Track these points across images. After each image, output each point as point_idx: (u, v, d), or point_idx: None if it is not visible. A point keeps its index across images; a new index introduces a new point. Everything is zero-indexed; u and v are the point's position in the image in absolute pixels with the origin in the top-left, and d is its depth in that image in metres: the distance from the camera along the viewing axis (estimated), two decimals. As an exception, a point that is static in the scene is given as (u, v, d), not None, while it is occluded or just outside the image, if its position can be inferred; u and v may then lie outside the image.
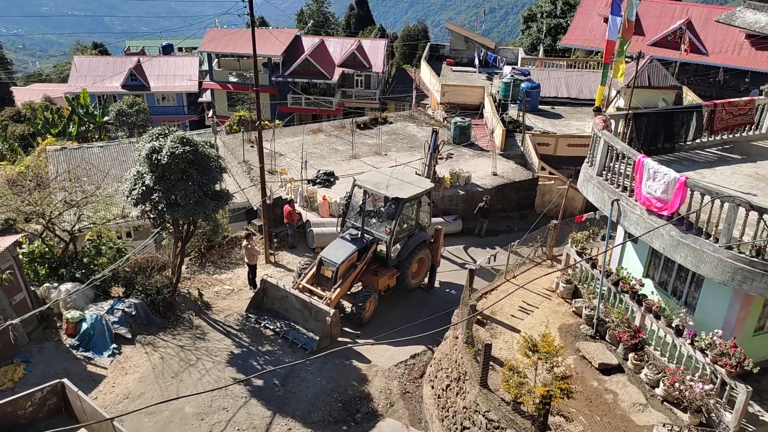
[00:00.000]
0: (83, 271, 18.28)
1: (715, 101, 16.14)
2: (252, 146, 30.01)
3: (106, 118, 47.53)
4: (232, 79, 55.16)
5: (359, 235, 19.36)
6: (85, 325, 16.83)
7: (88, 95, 47.50)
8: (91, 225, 19.55)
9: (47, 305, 15.96)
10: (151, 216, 16.84)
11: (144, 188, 16.19)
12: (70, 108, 46.00)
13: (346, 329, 18.62)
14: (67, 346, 16.67)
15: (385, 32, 76.11)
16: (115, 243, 20.19)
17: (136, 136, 40.85)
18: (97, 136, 45.84)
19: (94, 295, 18.32)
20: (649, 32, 46.44)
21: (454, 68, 45.94)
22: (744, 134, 16.35)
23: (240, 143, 31.09)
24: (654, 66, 31.68)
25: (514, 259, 18.10)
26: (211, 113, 55.88)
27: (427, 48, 51.42)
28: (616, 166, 14.04)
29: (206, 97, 57.95)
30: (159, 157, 15.83)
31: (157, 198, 16.15)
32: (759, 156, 15.46)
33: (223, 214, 22.86)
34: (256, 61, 21.70)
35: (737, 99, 16.32)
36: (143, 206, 16.55)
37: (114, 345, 16.86)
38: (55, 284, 17.87)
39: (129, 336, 17.26)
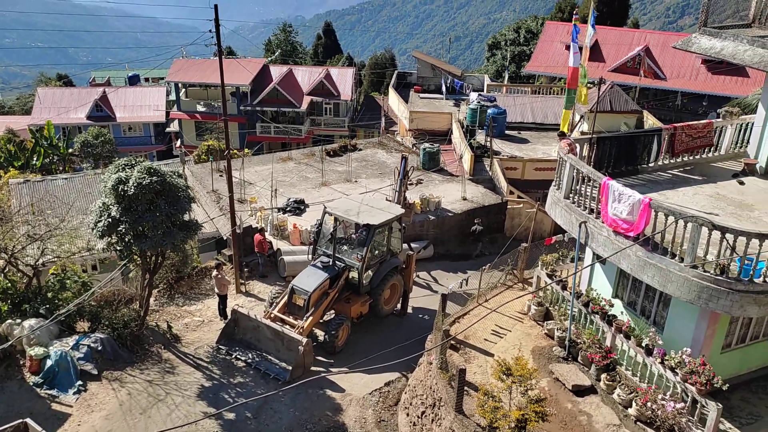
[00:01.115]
0: (47, 306, 17.79)
1: (675, 124, 16.56)
2: (221, 175, 29.80)
3: (70, 150, 46.79)
4: (200, 108, 54.95)
5: (331, 263, 19.26)
6: (49, 362, 16.34)
7: (52, 127, 46.79)
8: (56, 259, 19.10)
9: (9, 342, 15.47)
10: (118, 248, 16.54)
11: (110, 220, 15.91)
12: (33, 140, 45.21)
13: (319, 358, 18.40)
14: (31, 384, 16.14)
15: (352, 61, 76.86)
16: (80, 276, 19.73)
17: (101, 167, 40.26)
18: (61, 168, 45.04)
19: (58, 331, 17.82)
20: (609, 59, 47.81)
21: (422, 95, 46.51)
22: (704, 156, 16.80)
23: (209, 173, 30.85)
24: (615, 91, 32.55)
25: (486, 283, 18.18)
26: (179, 143, 55.45)
27: (394, 76, 52.00)
28: (583, 188, 14.29)
29: (174, 126, 57.52)
30: (125, 188, 15.61)
31: (123, 229, 15.88)
32: (719, 177, 15.88)
33: (192, 244, 22.55)
34: (224, 90, 21.68)
35: (696, 122, 16.80)
36: (109, 238, 16.26)
37: (79, 382, 16.38)
38: (18, 320, 17.34)
39: (95, 372, 16.79)
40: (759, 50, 13.88)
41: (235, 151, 35.97)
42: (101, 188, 16.60)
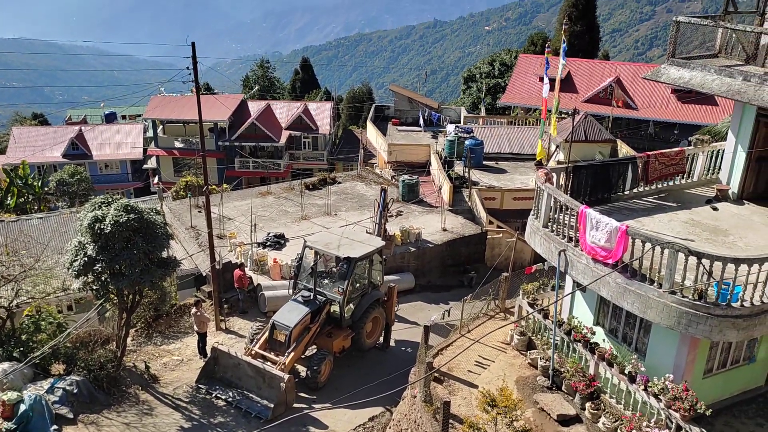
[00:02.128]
0: (21, 349, 17.34)
1: (648, 153, 16.90)
2: (200, 211, 29.60)
3: (46, 189, 46.24)
4: (178, 144, 54.83)
5: (312, 297, 19.11)
6: (23, 407, 15.84)
7: (27, 166, 46.27)
8: (30, 300, 18.70)
9: (-19, 388, 15.00)
10: (94, 287, 16.26)
11: (86, 259, 15.68)
12: (8, 180, 44.62)
13: (302, 394, 18.12)
14: (4, 430, 15.61)
15: (330, 95, 77.54)
16: (56, 317, 19.29)
17: (77, 206, 39.78)
18: (36, 208, 44.42)
19: (32, 374, 17.34)
20: (582, 90, 48.84)
21: (400, 128, 46.96)
22: (677, 183, 17.11)
23: (187, 209, 30.64)
24: (589, 121, 33.15)
25: (468, 314, 18.15)
26: (156, 180, 55.12)
27: (372, 109, 52.50)
28: (561, 217, 14.43)
29: (151, 163, 57.24)
30: (102, 227, 15.43)
31: (100, 268, 15.65)
32: (693, 203, 16.16)
33: (171, 281, 22.26)
34: (201, 126, 21.69)
35: (668, 150, 17.15)
36: (85, 277, 15.99)
37: (54, 426, 15.89)
38: (-10, 365, 16.86)
39: (71, 416, 16.32)
40: (726, 79, 14.29)
41: (213, 186, 35.83)
42: (77, 227, 16.39)
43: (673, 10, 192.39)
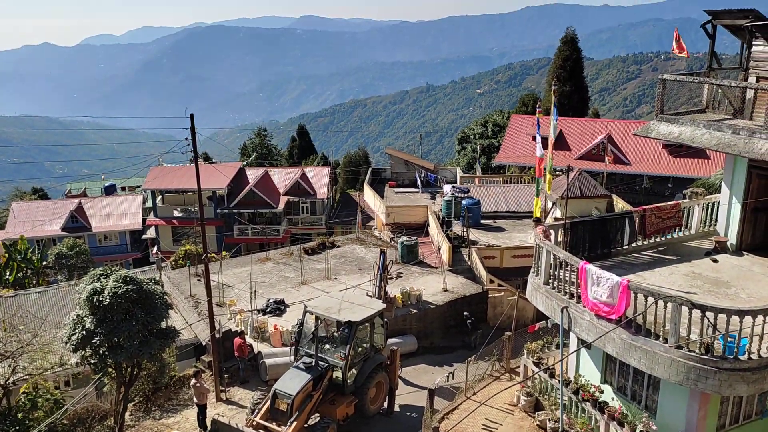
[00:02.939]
0: (17, 427, 16.90)
1: (644, 207, 17.04)
2: (199, 280, 29.49)
3: (44, 263, 46.17)
4: (177, 213, 55.13)
5: (313, 363, 18.78)
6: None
7: (26, 241, 46.36)
8: (27, 376, 18.37)
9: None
10: (92, 361, 16.02)
11: (84, 332, 15.52)
12: (6, 255, 44.60)
13: (305, 467, 17.55)
14: None
15: (327, 160, 78.60)
16: (53, 394, 18.93)
17: (76, 279, 39.63)
18: (35, 282, 44.22)
19: (27, 454, 16.85)
20: (574, 147, 49.61)
21: (397, 190, 47.39)
22: (675, 236, 17.17)
23: (186, 278, 30.53)
24: (583, 177, 33.52)
25: (473, 375, 17.83)
26: (155, 249, 55.11)
27: (369, 172, 53.13)
28: (561, 274, 14.40)
29: (150, 233, 57.39)
30: (100, 299, 15.35)
31: (98, 342, 15.47)
32: (692, 255, 16.18)
33: (170, 352, 21.95)
34: (200, 195, 21.88)
35: (664, 203, 17.30)
36: (83, 351, 15.78)
37: None
38: (-16, 445, 16.42)
39: (66, 497, 15.77)
40: (716, 133, 14.57)
41: (212, 254, 35.82)
42: (76, 300, 16.30)
43: (659, 69, 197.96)
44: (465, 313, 26.09)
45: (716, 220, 17.11)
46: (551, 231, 15.79)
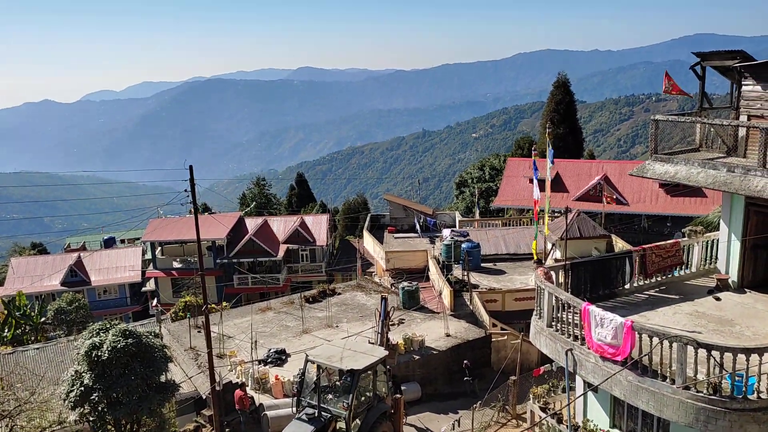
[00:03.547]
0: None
1: (644, 246, 17.05)
2: (199, 331, 29.20)
3: (43, 319, 45.81)
4: (177, 265, 54.99)
5: (316, 414, 18.44)
6: None
7: (24, 297, 46.11)
8: (24, 435, 17.98)
9: None
10: (91, 419, 15.73)
11: (82, 389, 15.29)
12: (5, 312, 44.29)
13: None
14: None
15: (326, 207, 78.94)
16: (51, 453, 18.49)
17: (75, 333, 39.24)
18: (33, 338, 43.77)
19: None
20: (572, 189, 49.95)
21: (396, 235, 47.43)
22: (677, 275, 17.12)
23: (186, 329, 30.23)
24: (582, 218, 33.64)
25: (479, 423, 17.50)
26: (155, 302, 54.75)
27: (368, 219, 53.29)
28: (564, 315, 14.29)
29: (150, 285, 57.12)
30: (99, 354, 15.18)
31: (96, 398, 15.22)
32: (695, 294, 16.09)
33: (170, 407, 21.53)
34: (200, 246, 21.88)
35: (664, 242, 17.31)
36: (81, 408, 15.51)
37: None
38: None
39: None
40: (711, 171, 14.70)
41: (212, 305, 35.57)
42: (74, 356, 16.12)
43: (651, 110, 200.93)
44: (465, 362, 25.70)
45: (716, 258, 17.10)
46: (552, 272, 15.75)
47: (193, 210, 21.13)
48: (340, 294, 35.86)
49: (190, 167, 20.53)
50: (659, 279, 16.90)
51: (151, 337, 16.47)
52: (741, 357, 11.06)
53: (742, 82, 16.04)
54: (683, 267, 17.23)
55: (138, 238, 66.09)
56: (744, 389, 11.08)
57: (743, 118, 15.97)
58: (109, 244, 72.81)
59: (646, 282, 16.69)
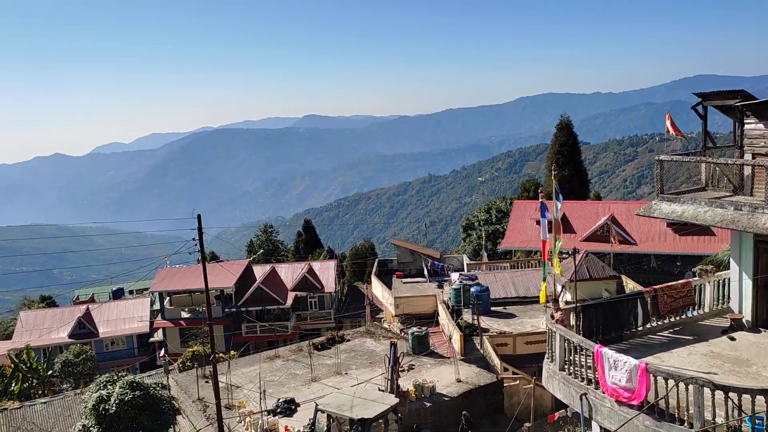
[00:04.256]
0: None
1: (655, 286, 16.88)
2: (207, 382, 28.86)
3: (50, 372, 45.46)
4: (185, 315, 54.77)
5: (327, 466, 18.08)
6: None
7: (32, 350, 45.86)
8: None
9: None
10: (98, 474, 15.45)
11: (90, 443, 15.07)
12: (12, 366, 43.99)
13: None
14: None
15: (333, 253, 78.83)
16: None
17: (82, 386, 38.86)
18: (41, 392, 43.35)
19: None
20: (579, 230, 49.81)
21: (405, 280, 47.20)
22: (690, 315, 16.90)
23: (194, 380, 29.88)
24: (591, 259, 33.47)
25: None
26: (162, 352, 54.31)
27: (375, 264, 53.15)
28: (577, 359, 14.07)
29: (158, 336, 56.79)
30: (107, 407, 15.01)
31: (104, 452, 14.99)
32: (709, 334, 15.85)
33: (178, 461, 21.14)
34: (208, 295, 21.87)
35: (675, 282, 17.15)
36: (89, 464, 15.26)
37: None
38: None
39: None
40: (718, 210, 14.67)
41: (220, 354, 35.24)
42: (81, 410, 15.93)
43: (655, 150, 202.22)
44: (464, 413, 25.02)
45: (729, 297, 16.89)
46: (564, 315, 15.58)
47: (201, 258, 21.19)
48: (349, 340, 35.52)
49: (198, 216, 20.69)
50: (672, 320, 16.68)
51: (158, 388, 16.31)
52: (760, 399, 10.82)
53: (745, 121, 16.16)
54: (696, 307, 17.02)
55: (146, 289, 66.03)
56: (765, 432, 10.81)
57: (747, 156, 16.02)
58: (117, 295, 72.76)
59: (659, 323, 16.48)
